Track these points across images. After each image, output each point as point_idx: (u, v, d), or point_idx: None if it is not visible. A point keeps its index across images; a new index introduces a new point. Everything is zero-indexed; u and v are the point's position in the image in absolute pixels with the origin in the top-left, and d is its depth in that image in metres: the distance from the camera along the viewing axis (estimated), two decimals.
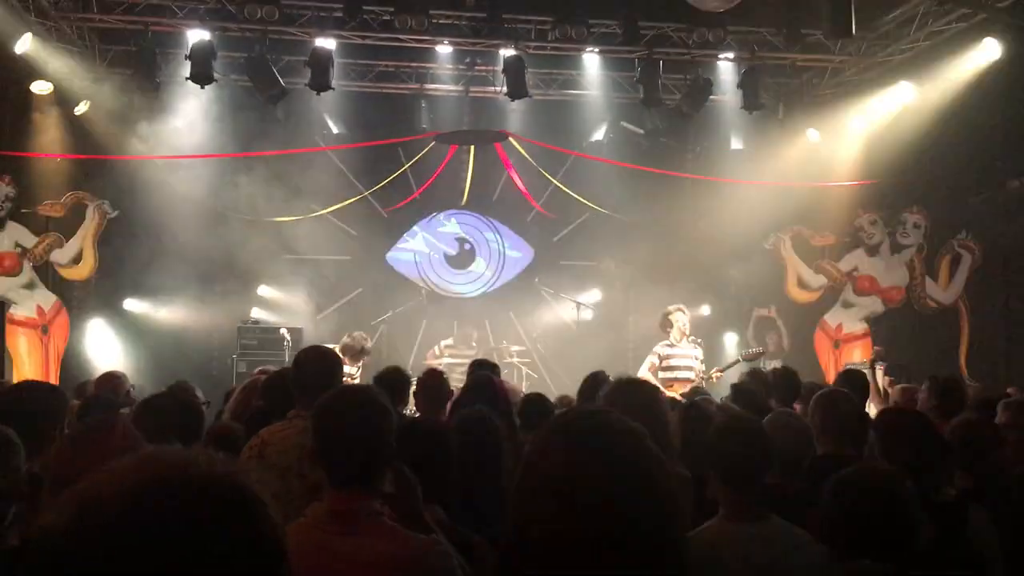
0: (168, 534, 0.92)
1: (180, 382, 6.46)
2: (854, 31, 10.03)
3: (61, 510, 0.95)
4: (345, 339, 9.18)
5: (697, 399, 4.63)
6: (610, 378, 4.11)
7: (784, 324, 13.79)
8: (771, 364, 10.38)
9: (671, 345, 9.01)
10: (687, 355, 8.97)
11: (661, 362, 8.91)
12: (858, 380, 6.07)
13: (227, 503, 0.97)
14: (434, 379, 5.17)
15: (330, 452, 2.56)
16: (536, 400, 5.09)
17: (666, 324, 9.13)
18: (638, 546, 1.31)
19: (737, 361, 9.37)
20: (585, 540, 1.31)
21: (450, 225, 14.22)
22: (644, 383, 3.37)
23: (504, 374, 8.13)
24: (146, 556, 0.91)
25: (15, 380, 10.46)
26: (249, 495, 1.00)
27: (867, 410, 5.27)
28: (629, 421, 1.45)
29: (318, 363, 3.76)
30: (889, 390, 7.62)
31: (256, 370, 6.83)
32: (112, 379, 6.23)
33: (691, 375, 8.77)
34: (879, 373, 8.08)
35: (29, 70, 10.89)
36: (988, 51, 10.53)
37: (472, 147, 13.21)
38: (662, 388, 7.87)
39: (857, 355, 12.58)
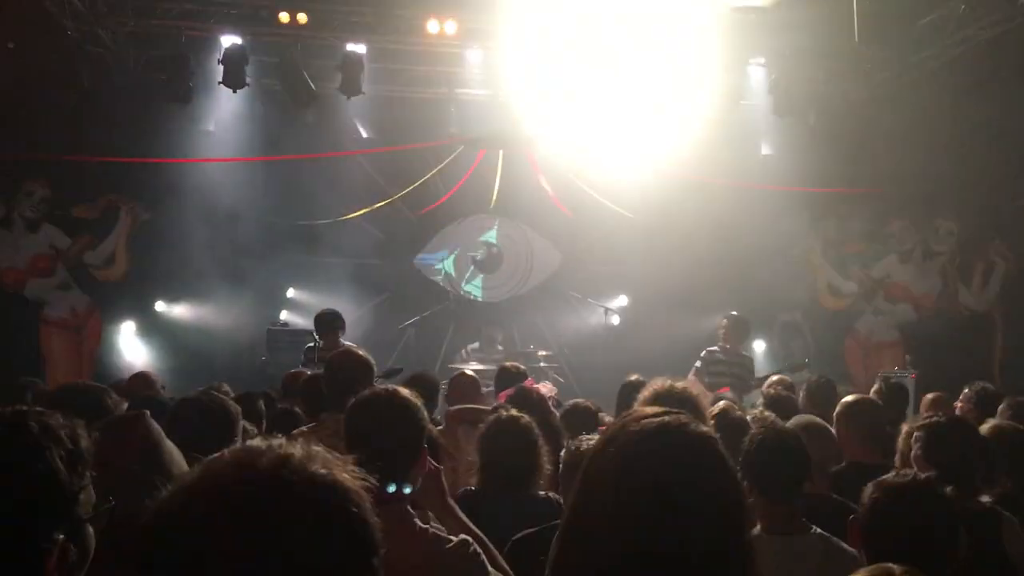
0: (263, 533, 0.95)
1: (215, 385, 6.49)
2: (887, 36, 9.95)
3: (167, 499, 0.99)
4: None
5: (726, 405, 4.58)
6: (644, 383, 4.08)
7: (810, 330, 13.69)
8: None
9: (717, 351, 8.86)
10: (733, 362, 8.82)
11: (706, 367, 8.79)
12: (897, 390, 5.99)
13: (324, 501, 1.00)
14: (466, 383, 5.17)
15: (360, 453, 2.56)
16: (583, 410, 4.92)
17: (719, 328, 9.04)
18: (708, 553, 1.32)
19: (781, 371, 9.13)
20: (651, 547, 1.32)
21: (478, 227, 14.23)
22: (683, 389, 3.35)
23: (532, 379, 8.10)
24: (243, 551, 0.94)
25: (49, 380, 10.57)
26: (344, 493, 1.02)
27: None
28: (701, 426, 1.46)
29: (351, 366, 3.77)
30: None
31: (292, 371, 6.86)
32: (144, 379, 6.27)
33: (735, 382, 8.61)
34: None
35: (65, 74, 11.03)
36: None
37: (501, 151, 13.22)
38: (707, 392, 7.76)
39: (888, 363, 12.45)
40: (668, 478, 1.35)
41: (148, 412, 2.60)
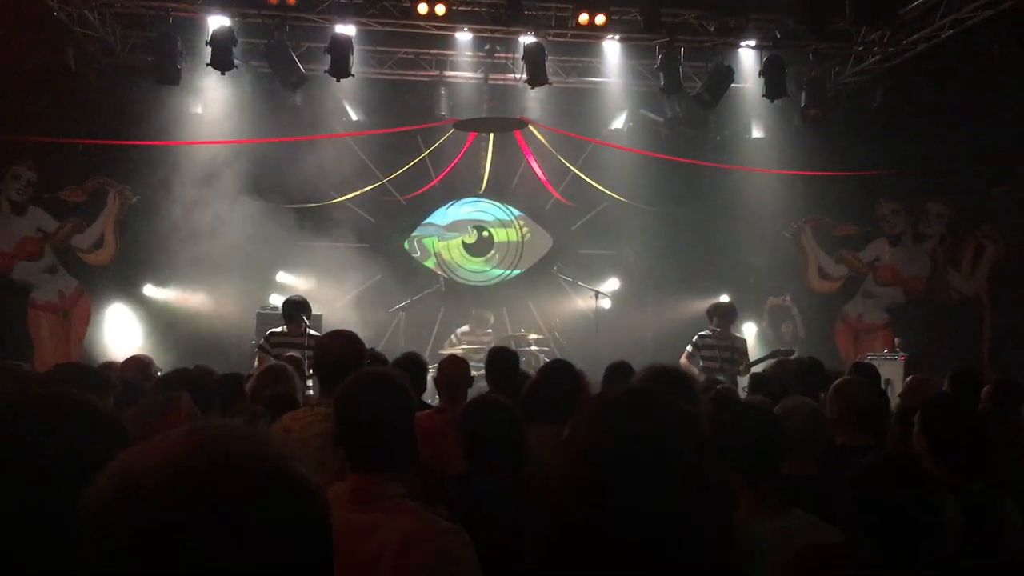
0: (206, 504, 0.92)
1: (199, 366, 6.46)
2: (877, 19, 9.92)
3: (106, 476, 0.96)
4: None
5: (720, 387, 4.59)
6: (633, 368, 4.06)
7: (799, 313, 13.73)
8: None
9: (704, 337, 8.96)
10: (724, 346, 8.90)
11: (696, 351, 8.88)
12: (870, 374, 6.02)
13: (269, 479, 0.97)
14: (454, 366, 5.15)
15: (351, 436, 2.56)
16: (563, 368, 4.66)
17: (711, 314, 9.12)
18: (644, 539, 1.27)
19: (766, 358, 9.19)
20: (603, 525, 1.27)
21: (468, 209, 14.21)
22: (677, 369, 3.34)
23: (522, 362, 8.10)
24: (181, 524, 0.90)
25: (37, 364, 10.54)
26: (293, 472, 0.99)
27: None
28: (668, 399, 1.41)
29: (341, 348, 3.74)
30: None
31: (285, 355, 6.83)
32: (139, 363, 6.20)
33: (727, 366, 8.71)
34: None
35: (52, 55, 10.93)
36: (1014, 39, 10.37)
37: (491, 134, 13.18)
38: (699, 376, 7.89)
39: (878, 346, 12.51)
40: (607, 455, 1.30)
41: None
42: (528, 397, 4.27)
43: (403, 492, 2.48)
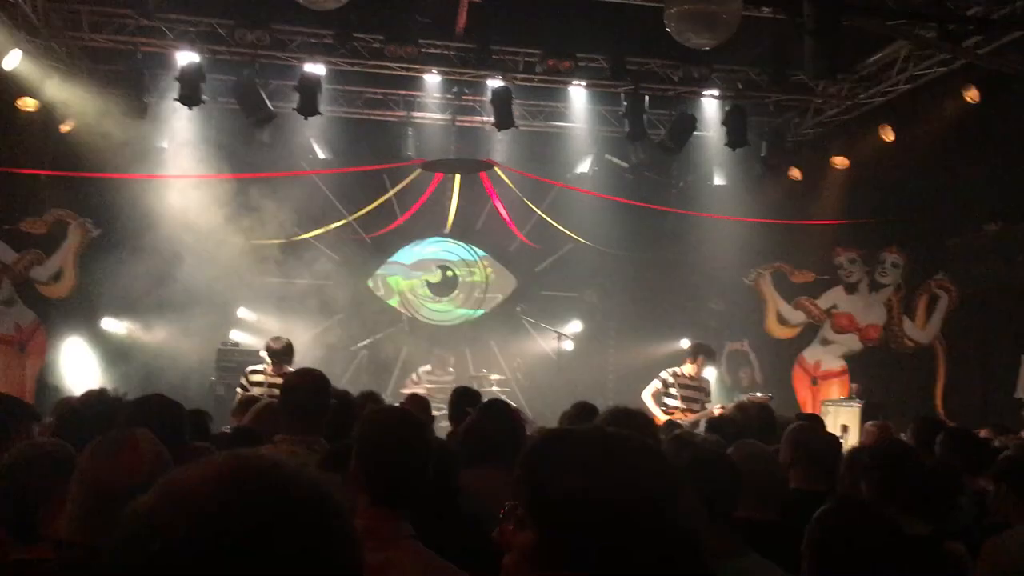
0: (249, 522, 0.94)
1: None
2: (836, 73, 10.17)
3: (152, 492, 0.99)
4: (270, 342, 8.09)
5: (679, 431, 4.64)
6: (597, 409, 4.08)
7: (757, 359, 13.90)
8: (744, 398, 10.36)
9: (678, 375, 8.97)
10: (692, 387, 8.94)
11: (665, 388, 8.89)
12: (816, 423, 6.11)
13: (310, 503, 1.00)
14: (416, 405, 5.17)
15: (371, 472, 2.57)
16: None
17: (688, 355, 9.16)
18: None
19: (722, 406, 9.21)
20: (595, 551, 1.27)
21: (433, 248, 14.26)
22: (638, 412, 3.38)
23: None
24: (225, 539, 0.93)
25: None
26: (333, 503, 1.02)
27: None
28: (634, 435, 1.44)
29: (311, 386, 3.75)
30: None
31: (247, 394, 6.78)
32: (99, 396, 6.10)
33: (693, 407, 8.74)
34: None
35: (15, 87, 10.86)
36: (967, 96, 10.71)
37: (457, 175, 13.29)
38: (661, 415, 7.97)
39: (835, 392, 12.68)
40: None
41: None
42: (466, 439, 4.00)
43: (413, 533, 2.51)
